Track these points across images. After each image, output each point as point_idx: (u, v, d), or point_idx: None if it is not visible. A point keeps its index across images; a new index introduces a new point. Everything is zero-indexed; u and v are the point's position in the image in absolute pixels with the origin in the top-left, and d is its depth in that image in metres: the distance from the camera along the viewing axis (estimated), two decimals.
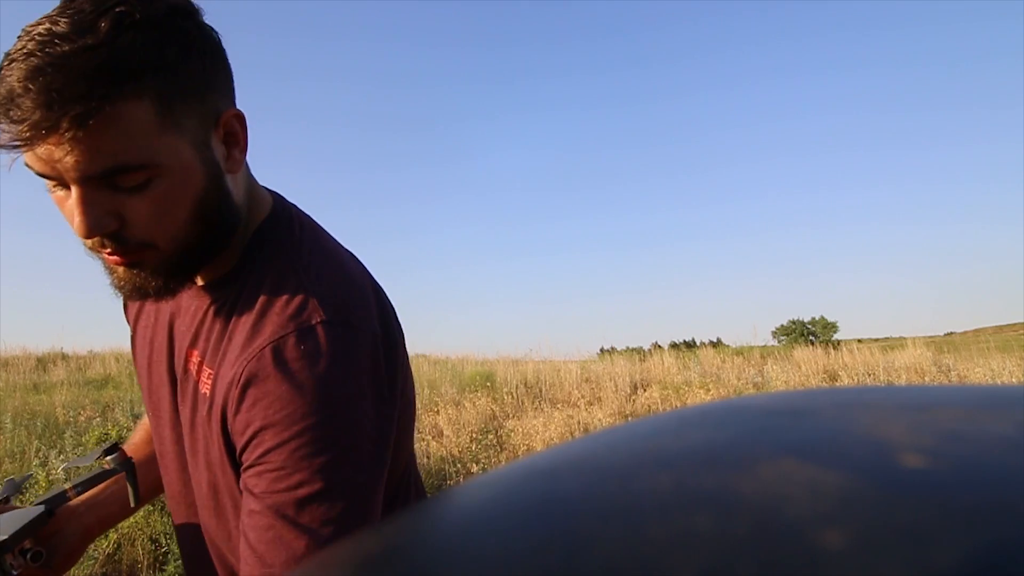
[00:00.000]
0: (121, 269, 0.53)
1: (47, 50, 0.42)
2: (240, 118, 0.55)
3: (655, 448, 0.18)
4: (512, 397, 6.97)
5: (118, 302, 0.74)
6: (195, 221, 0.52)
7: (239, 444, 0.52)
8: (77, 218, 0.48)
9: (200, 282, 0.60)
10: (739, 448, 0.16)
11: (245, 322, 0.55)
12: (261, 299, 0.56)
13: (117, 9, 0.44)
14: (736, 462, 0.15)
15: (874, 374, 7.83)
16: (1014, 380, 6.83)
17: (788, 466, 0.14)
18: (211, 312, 0.59)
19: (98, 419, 5.40)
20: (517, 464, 0.20)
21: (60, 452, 3.94)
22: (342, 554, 0.16)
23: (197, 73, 0.50)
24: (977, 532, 0.11)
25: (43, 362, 10.29)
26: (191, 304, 0.61)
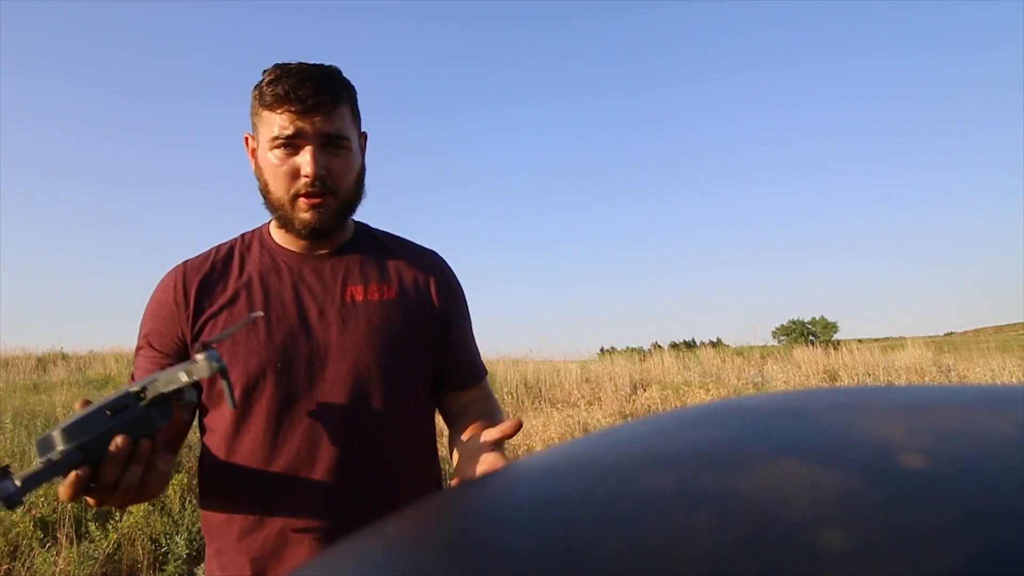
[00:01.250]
0: (315, 211, 0.81)
1: (310, 69, 0.81)
2: (366, 137, 0.92)
3: (656, 448, 0.18)
4: (512, 397, 6.96)
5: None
6: (355, 186, 0.86)
7: (449, 300, 0.92)
8: (309, 164, 0.79)
9: (326, 250, 0.88)
10: (739, 448, 0.16)
11: (399, 255, 0.92)
12: (397, 245, 0.94)
13: (328, 64, 0.85)
14: (736, 462, 0.15)
15: (874, 374, 7.82)
16: (1014, 380, 6.82)
17: (788, 466, 0.14)
18: (356, 263, 0.88)
19: None
20: (518, 464, 0.20)
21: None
22: (348, 552, 0.16)
23: (357, 105, 0.88)
24: (977, 532, 0.11)
25: (43, 362, 10.28)
26: (323, 265, 0.87)
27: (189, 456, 3.90)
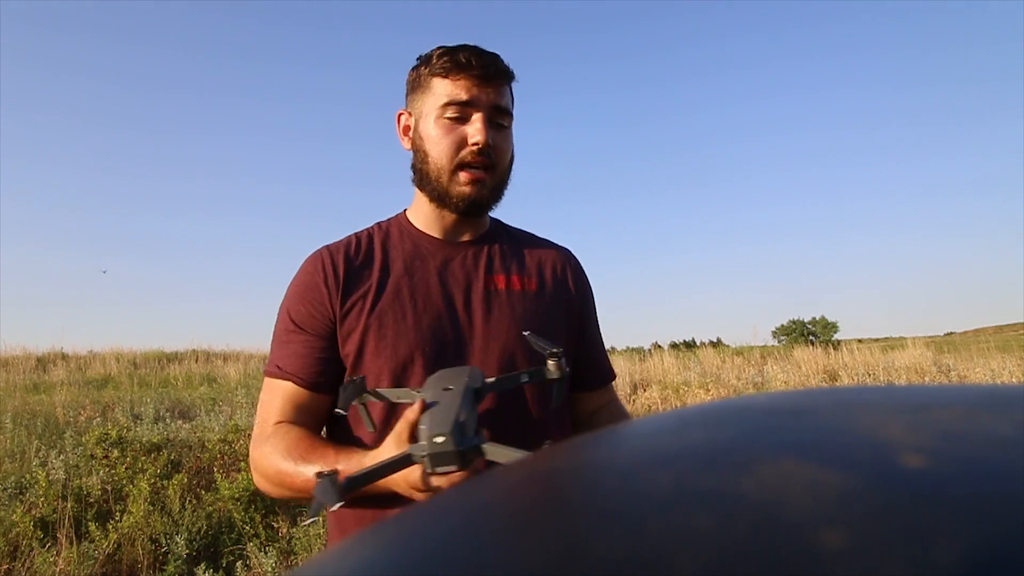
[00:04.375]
0: (474, 185, 0.82)
1: (480, 47, 0.82)
2: None
3: (655, 448, 0.18)
4: None
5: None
6: (508, 165, 0.86)
7: (587, 296, 0.94)
8: (480, 133, 0.80)
9: (467, 238, 0.89)
10: (739, 448, 0.16)
11: (535, 249, 0.93)
12: (532, 240, 0.95)
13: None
14: (736, 462, 0.15)
15: (874, 374, 7.81)
16: (1014, 380, 6.82)
17: (788, 466, 0.14)
18: (496, 253, 0.89)
19: (98, 419, 5.39)
20: (518, 464, 0.20)
21: (60, 452, 3.93)
22: (342, 557, 0.16)
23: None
24: (977, 532, 0.11)
25: (43, 362, 10.28)
26: (465, 252, 0.87)
27: (190, 456, 3.90)
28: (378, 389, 0.74)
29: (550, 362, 0.73)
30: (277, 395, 0.81)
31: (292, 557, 2.74)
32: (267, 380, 0.83)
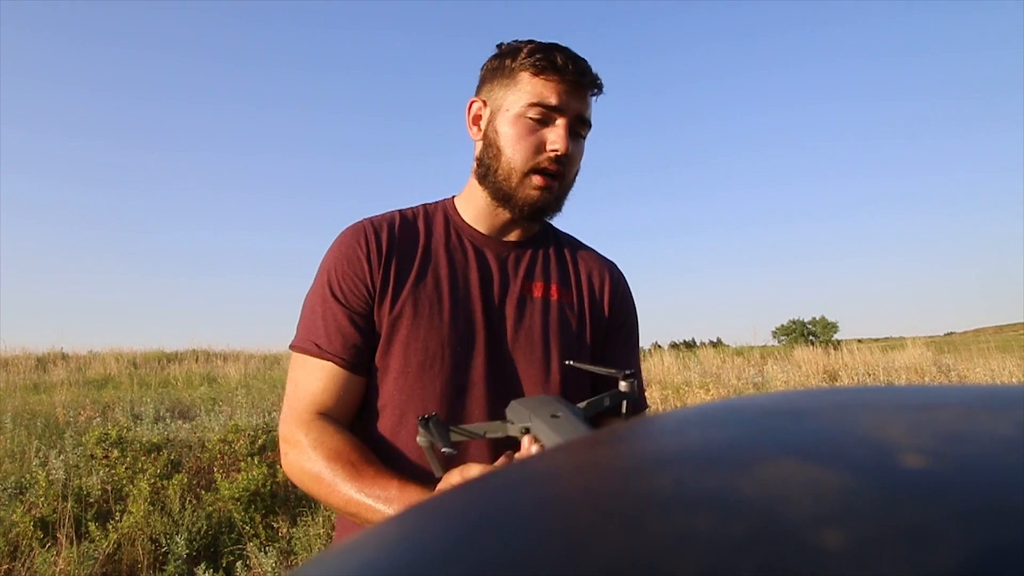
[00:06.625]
0: (543, 192, 0.80)
1: (577, 53, 0.79)
2: None
3: (655, 448, 0.18)
4: None
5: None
6: (575, 175, 0.84)
7: (620, 311, 0.91)
8: (561, 140, 0.77)
9: (514, 238, 0.87)
10: (739, 448, 0.16)
11: (580, 260, 0.90)
12: (577, 249, 0.92)
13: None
14: (736, 462, 0.15)
15: (874, 374, 7.81)
16: (1014, 380, 6.82)
17: (788, 466, 0.14)
18: (539, 259, 0.87)
19: (98, 419, 5.39)
20: (519, 464, 0.20)
21: (60, 452, 3.93)
22: (347, 553, 0.16)
23: None
24: (977, 532, 0.11)
25: (43, 362, 10.28)
26: (507, 255, 0.85)
27: (189, 456, 3.90)
28: (464, 426, 0.67)
29: (623, 383, 0.69)
30: (314, 375, 0.76)
31: (292, 557, 2.74)
32: (300, 357, 0.78)
